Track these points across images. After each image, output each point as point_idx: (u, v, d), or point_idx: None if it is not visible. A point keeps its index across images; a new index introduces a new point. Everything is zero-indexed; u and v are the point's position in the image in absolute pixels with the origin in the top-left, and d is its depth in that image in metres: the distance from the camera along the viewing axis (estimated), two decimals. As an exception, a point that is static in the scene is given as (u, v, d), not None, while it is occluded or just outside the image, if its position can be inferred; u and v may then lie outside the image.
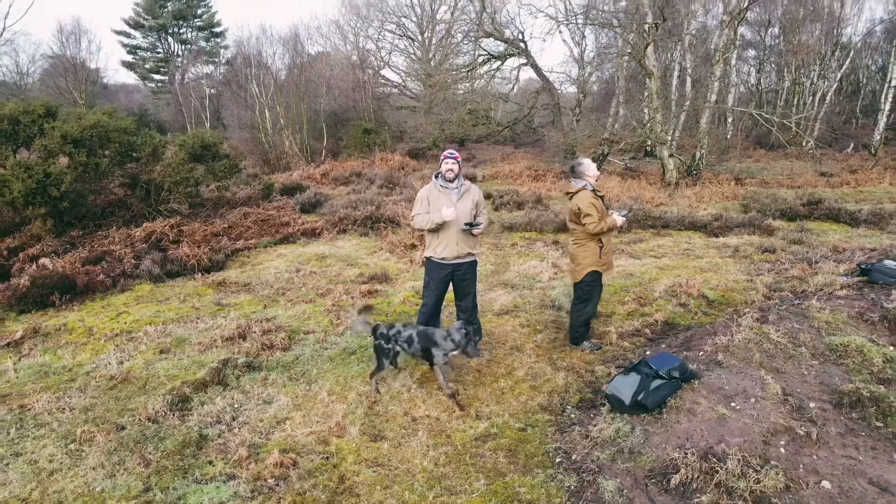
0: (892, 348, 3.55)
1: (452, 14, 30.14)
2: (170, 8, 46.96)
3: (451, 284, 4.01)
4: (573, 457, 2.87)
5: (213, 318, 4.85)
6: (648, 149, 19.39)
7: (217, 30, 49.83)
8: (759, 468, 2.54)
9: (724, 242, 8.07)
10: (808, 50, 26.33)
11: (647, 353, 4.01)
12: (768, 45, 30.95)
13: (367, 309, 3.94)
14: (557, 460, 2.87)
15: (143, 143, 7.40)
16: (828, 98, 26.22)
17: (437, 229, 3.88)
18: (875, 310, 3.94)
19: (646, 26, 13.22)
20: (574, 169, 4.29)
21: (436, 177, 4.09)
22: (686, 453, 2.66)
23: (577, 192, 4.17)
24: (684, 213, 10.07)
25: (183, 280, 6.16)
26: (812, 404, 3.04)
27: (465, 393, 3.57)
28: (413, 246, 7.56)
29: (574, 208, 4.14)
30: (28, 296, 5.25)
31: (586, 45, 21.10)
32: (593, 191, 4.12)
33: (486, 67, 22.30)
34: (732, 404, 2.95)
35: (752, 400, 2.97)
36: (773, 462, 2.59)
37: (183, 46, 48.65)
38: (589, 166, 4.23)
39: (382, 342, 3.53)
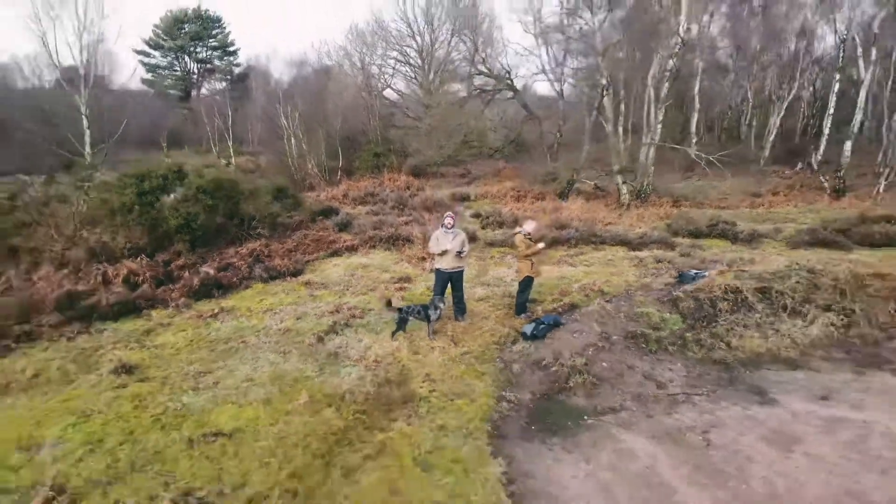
0: (667, 314, 7.19)
1: (450, 44, 33.75)
2: (187, 29, 50.41)
3: (449, 283, 7.62)
4: (504, 358, 6.50)
5: (314, 302, 8.48)
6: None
7: (230, 48, 53.37)
8: (578, 356, 6.17)
9: (637, 255, 11.70)
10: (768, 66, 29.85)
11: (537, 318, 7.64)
12: (735, 68, 34.48)
13: (388, 302, 7.55)
14: (497, 359, 6.50)
15: (242, 189, 11.03)
16: (775, 121, 29.70)
17: (442, 254, 7.50)
18: (668, 296, 7.59)
19: (602, 84, 16.92)
20: (518, 222, 7.94)
21: (441, 225, 7.69)
22: (550, 353, 6.30)
23: (517, 233, 7.81)
24: (620, 231, 13.71)
25: (280, 281, 9.77)
26: (614, 336, 6.68)
27: (458, 337, 7.19)
28: (423, 258, 11.16)
29: (515, 242, 7.78)
30: (199, 290, 8.85)
31: (565, 80, 24.69)
32: (526, 235, 7.74)
33: (477, 101, 25.97)
34: (574, 336, 6.59)
35: (584, 334, 6.61)
36: (584, 355, 6.23)
37: (199, 65, 52.26)
38: (528, 223, 7.87)
39: (403, 315, 7.11)
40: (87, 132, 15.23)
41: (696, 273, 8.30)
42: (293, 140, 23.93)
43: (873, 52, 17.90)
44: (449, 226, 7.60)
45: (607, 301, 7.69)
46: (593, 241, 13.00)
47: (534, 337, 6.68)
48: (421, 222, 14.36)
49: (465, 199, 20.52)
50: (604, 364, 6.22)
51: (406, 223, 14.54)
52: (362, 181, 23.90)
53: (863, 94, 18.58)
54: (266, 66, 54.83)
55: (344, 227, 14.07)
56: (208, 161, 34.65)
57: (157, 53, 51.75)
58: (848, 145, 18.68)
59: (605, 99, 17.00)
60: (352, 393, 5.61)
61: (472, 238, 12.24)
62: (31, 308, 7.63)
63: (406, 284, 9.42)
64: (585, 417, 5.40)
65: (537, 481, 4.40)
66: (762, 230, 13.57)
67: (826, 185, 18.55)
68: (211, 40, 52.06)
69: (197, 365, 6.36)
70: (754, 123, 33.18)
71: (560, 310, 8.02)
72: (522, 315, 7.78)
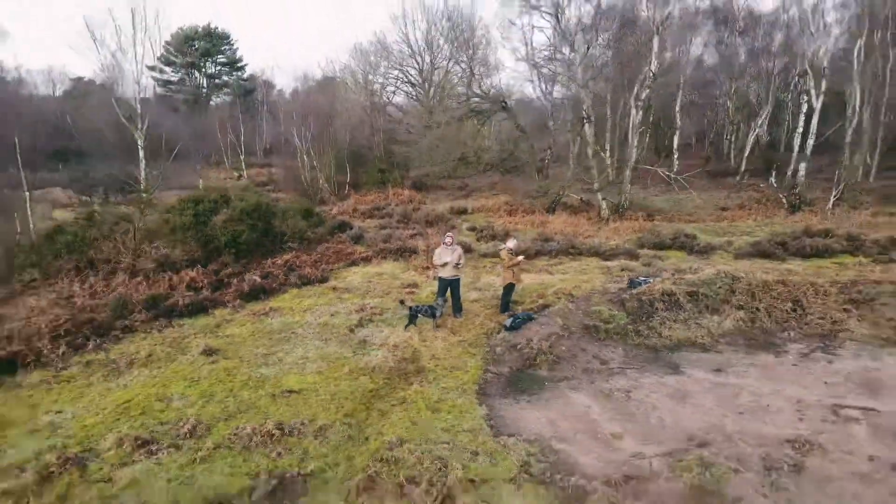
0: (615, 312, 9.43)
1: (448, 66, 36.12)
2: (197, 46, 52.80)
3: (449, 288, 9.84)
4: (490, 343, 8.72)
5: (342, 303, 10.69)
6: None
7: (238, 64, 55.79)
8: (544, 341, 8.39)
9: (607, 265, 13.93)
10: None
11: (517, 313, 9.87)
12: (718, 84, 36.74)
13: (402, 302, 9.78)
14: (485, 344, 8.72)
15: (276, 210, 13.26)
16: (751, 137, 32.01)
17: (443, 265, 9.72)
18: (618, 298, 9.84)
19: (583, 112, 19.24)
20: (506, 237, 10.20)
21: (443, 243, 9.92)
22: (524, 340, 8.52)
23: (502, 248, 10.06)
24: (596, 244, 15.95)
25: (311, 287, 11.98)
26: (573, 328, 8.91)
27: (456, 328, 9.40)
28: (427, 267, 13.38)
29: (501, 255, 10.03)
30: (248, 294, 11.07)
31: (553, 105, 26.93)
32: (509, 250, 9.98)
33: (473, 121, 28.28)
34: (543, 327, 8.83)
35: (550, 326, 8.84)
36: (549, 341, 8.45)
37: (208, 80, 54.63)
38: (511, 241, 10.13)
39: (413, 312, 9.33)
40: (143, 161, 17.47)
41: (642, 280, 10.53)
42: (305, 157, 26.16)
43: (822, 84, 20.24)
44: (448, 243, 9.84)
45: (571, 302, 9.92)
46: (571, 253, 15.24)
47: (512, 328, 8.90)
48: (424, 236, 16.61)
49: (462, 212, 22.78)
50: (563, 347, 8.44)
51: (411, 236, 16.78)
52: (369, 195, 26.18)
53: (814, 120, 20.87)
54: (272, 80, 57.33)
55: (357, 240, 16.30)
56: (225, 174, 36.93)
57: (168, 69, 54.19)
58: (803, 166, 20.96)
59: (587, 126, 19.31)
60: (379, 367, 7.82)
61: (468, 250, 14.49)
62: (124, 308, 9.83)
63: (413, 289, 11.66)
64: (546, 383, 7.61)
65: (507, 419, 6.62)
66: (717, 243, 15.84)
67: (784, 201, 20.83)
68: (220, 56, 54.53)
69: (262, 349, 8.57)
70: (734, 139, 35.59)
71: (534, 308, 10.24)
72: (506, 313, 10.00)
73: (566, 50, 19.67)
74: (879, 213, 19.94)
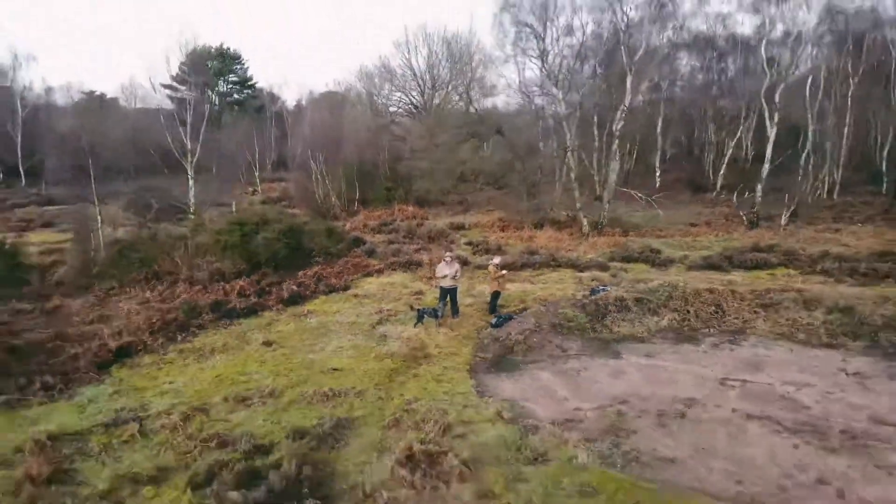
0: (577, 313, 12.18)
1: (447, 91, 39.10)
2: (211, 66, 55.77)
3: (448, 295, 12.59)
4: (479, 337, 11.47)
5: (363, 307, 13.44)
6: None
7: (249, 82, 58.85)
8: (520, 335, 11.14)
9: (580, 276, 16.66)
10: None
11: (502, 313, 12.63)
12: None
13: (411, 306, 12.53)
14: (475, 337, 11.47)
15: (306, 230, 16.02)
16: (726, 156, 34.75)
17: (443, 277, 12.49)
18: (581, 302, 12.60)
19: (565, 146, 22.06)
20: (495, 254, 12.99)
21: (443, 259, 12.71)
22: (505, 334, 11.27)
23: (490, 263, 12.85)
24: (574, 257, 18.72)
25: (336, 294, 14.72)
26: (543, 326, 11.66)
27: (454, 326, 12.15)
28: (430, 278, 16.12)
29: (489, 269, 12.82)
30: (288, 300, 13.82)
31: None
32: (495, 265, 12.76)
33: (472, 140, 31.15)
34: (520, 324, 11.58)
35: (526, 324, 11.60)
36: (524, 335, 11.20)
37: (220, 98, 57.61)
38: (496, 257, 12.95)
39: (420, 314, 12.07)
40: (192, 189, 20.29)
41: (602, 288, 13.29)
42: (319, 177, 28.96)
43: (776, 116, 23.12)
44: (448, 261, 12.62)
45: (543, 306, 12.68)
46: (552, 265, 17.99)
47: (496, 326, 11.64)
48: (427, 250, 19.38)
49: (460, 227, 25.56)
50: (534, 340, 11.18)
51: (416, 251, 19.56)
52: (376, 211, 28.97)
53: (769, 150, 23.72)
54: (280, 94, 60.30)
55: (371, 254, 19.06)
56: (240, 189, 39.58)
57: (182, 87, 57.20)
58: (759, 188, 23.77)
59: (569, 154, 22.15)
60: (397, 353, 10.56)
61: (465, 262, 17.25)
62: (193, 310, 12.58)
63: (420, 295, 14.40)
64: (520, 365, 10.35)
65: (489, 387, 9.35)
66: (676, 256, 18.62)
67: (744, 218, 23.63)
68: (231, 75, 57.61)
69: (307, 341, 11.32)
70: (710, 158, 38.43)
71: (516, 311, 12.99)
72: (493, 314, 12.74)
73: (552, 87, 22.53)
74: (826, 230, 22.76)
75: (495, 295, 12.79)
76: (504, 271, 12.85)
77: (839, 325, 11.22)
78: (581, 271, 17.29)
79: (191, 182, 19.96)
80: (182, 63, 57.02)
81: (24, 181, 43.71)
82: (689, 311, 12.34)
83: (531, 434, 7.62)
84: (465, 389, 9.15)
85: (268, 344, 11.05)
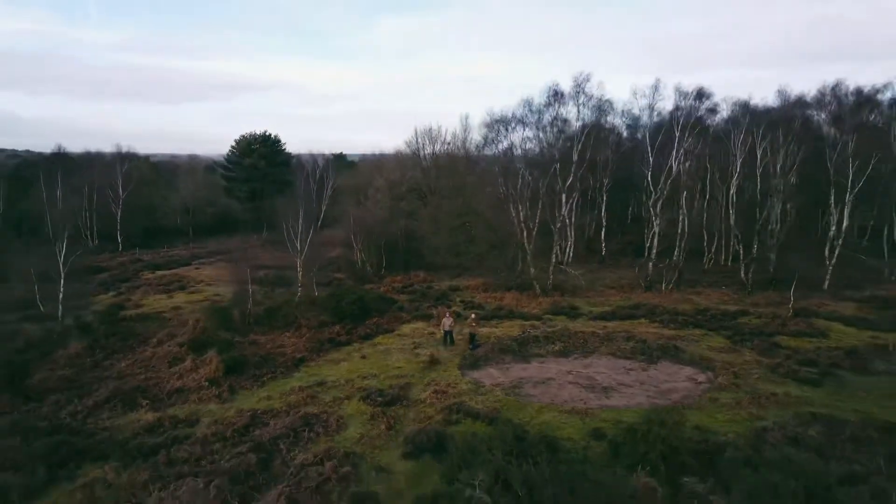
0: (514, 343, 24.32)
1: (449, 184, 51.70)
2: (257, 150, 69.39)
3: (448, 335, 24.75)
4: (464, 355, 23.63)
5: (403, 341, 25.58)
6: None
7: (286, 161, 72.25)
8: (484, 354, 23.28)
9: (524, 324, 28.79)
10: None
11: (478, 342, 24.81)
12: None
13: (446, 334, 24.68)
14: (462, 354, 23.64)
15: (367, 297, 28.22)
16: (655, 225, 47.24)
17: (445, 325, 24.74)
18: (516, 339, 24.79)
19: (521, 227, 34.61)
20: (472, 313, 25.35)
21: (445, 315, 25.06)
22: (478, 353, 23.46)
23: (469, 317, 25.18)
24: (525, 312, 30.91)
25: (387, 335, 26.80)
26: (496, 349, 23.79)
27: (451, 350, 24.30)
28: (437, 325, 28.26)
29: (468, 321, 25.15)
30: (364, 336, 26.02)
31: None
32: (471, 319, 25.05)
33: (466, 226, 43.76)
34: (484, 348, 23.77)
35: (486, 348, 23.78)
36: (484, 353, 23.36)
37: (264, 179, 70.96)
38: (472, 315, 25.24)
39: (447, 336, 24.18)
40: (300, 270, 32.49)
41: (529, 331, 25.49)
42: (359, 247, 41.41)
43: (659, 217, 35.85)
44: (447, 315, 24.94)
45: (497, 339, 24.88)
46: (510, 317, 30.17)
47: (473, 349, 23.78)
48: (435, 307, 31.63)
49: (456, 289, 37.87)
50: (490, 355, 23.29)
51: (428, 307, 31.82)
52: (398, 276, 41.32)
53: (655, 240, 36.26)
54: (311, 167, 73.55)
55: (401, 310, 31.27)
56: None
57: (232, 167, 70.69)
58: (651, 264, 36.19)
59: (524, 234, 34.60)
60: (425, 360, 22.67)
61: (458, 315, 29.42)
62: (320, 341, 24.72)
63: (433, 335, 26.55)
64: (481, 366, 22.44)
65: (467, 374, 21.45)
66: (585, 311, 30.85)
67: (642, 283, 35.96)
68: (275, 156, 71.11)
69: (380, 356, 23.46)
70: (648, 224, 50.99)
71: (483, 342, 25.09)
72: (471, 344, 24.81)
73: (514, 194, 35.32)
74: (693, 293, 35.10)
75: (472, 335, 24.99)
76: (474, 322, 25.08)
77: (634, 348, 23.44)
78: (526, 321, 29.49)
79: (299, 263, 31.75)
80: (232, 147, 70.73)
81: (120, 247, 56.35)
82: (569, 342, 24.55)
83: (481, 388, 19.73)
84: (456, 375, 21.27)
85: (363, 357, 23.19)
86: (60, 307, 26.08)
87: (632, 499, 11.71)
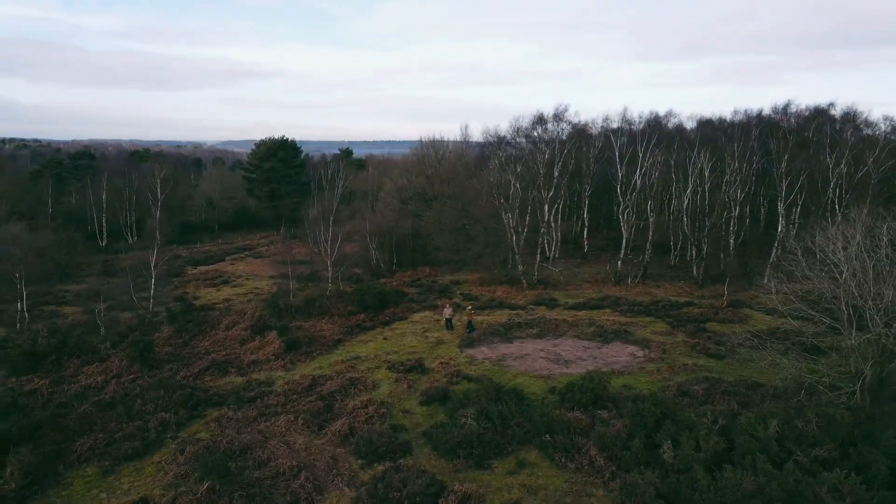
0: (501, 328, 31.36)
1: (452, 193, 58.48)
2: (277, 155, 76.03)
3: (449, 321, 31.77)
4: (463, 336, 30.70)
5: (415, 326, 32.65)
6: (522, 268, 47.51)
7: (303, 164, 78.89)
8: (479, 336, 30.37)
9: (510, 312, 35.76)
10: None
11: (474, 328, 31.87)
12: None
13: (447, 321, 31.73)
14: (462, 336, 30.71)
15: (385, 291, 35.14)
16: (631, 224, 54.13)
17: (446, 314, 31.79)
18: (503, 325, 31.85)
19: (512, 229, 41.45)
20: (468, 304, 32.43)
21: (446, 306, 32.15)
22: (473, 335, 30.54)
23: (466, 307, 32.27)
24: (513, 303, 37.92)
25: (402, 321, 33.81)
26: (488, 332, 30.85)
27: (453, 333, 31.36)
28: (440, 314, 35.26)
29: (465, 310, 32.24)
30: (384, 323, 33.10)
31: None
32: (468, 309, 32.11)
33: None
34: (479, 332, 30.85)
35: (480, 331, 30.85)
36: (480, 336, 30.45)
37: (282, 180, 77.66)
38: (469, 306, 32.31)
39: (448, 323, 31.24)
40: (330, 268, 39.37)
41: (514, 319, 32.50)
42: (373, 246, 48.36)
43: (632, 219, 42.68)
44: (448, 305, 31.99)
45: (489, 325, 31.91)
46: (500, 307, 37.19)
47: (469, 332, 30.82)
48: (440, 298, 38.61)
49: (457, 283, 44.92)
50: (482, 338, 30.34)
51: (434, 298, 38.85)
52: (406, 271, 48.38)
53: (627, 239, 43.12)
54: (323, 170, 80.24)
55: (411, 301, 38.29)
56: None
57: (252, 171, 77.33)
58: (619, 262, 43.08)
59: (514, 238, 41.44)
60: (433, 341, 29.74)
61: (457, 305, 36.43)
62: (349, 326, 31.80)
63: (437, 321, 33.59)
64: (475, 345, 29.51)
65: (464, 351, 28.52)
66: (562, 302, 37.86)
67: (612, 278, 42.88)
68: (292, 161, 77.73)
69: (399, 338, 30.53)
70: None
71: (478, 327, 32.12)
72: (468, 329, 31.80)
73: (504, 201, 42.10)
74: (654, 286, 42.06)
75: (469, 322, 31.96)
76: (472, 312, 32.09)
77: (594, 332, 30.50)
78: (513, 310, 36.49)
79: (329, 264, 38.56)
80: (253, 150, 77.27)
81: (159, 244, 63.23)
82: (544, 327, 31.59)
83: (474, 361, 26.82)
84: (455, 351, 28.33)
85: (385, 339, 30.26)
86: (151, 301, 33.14)
87: (567, 423, 18.77)
